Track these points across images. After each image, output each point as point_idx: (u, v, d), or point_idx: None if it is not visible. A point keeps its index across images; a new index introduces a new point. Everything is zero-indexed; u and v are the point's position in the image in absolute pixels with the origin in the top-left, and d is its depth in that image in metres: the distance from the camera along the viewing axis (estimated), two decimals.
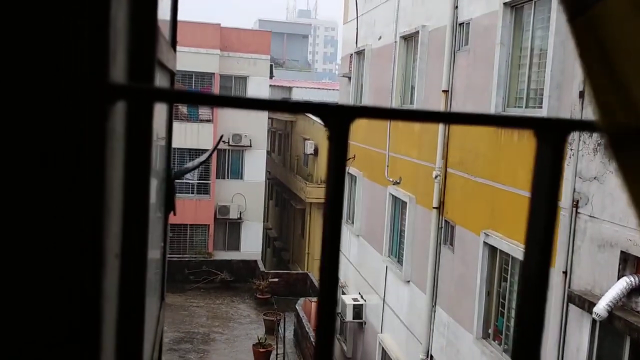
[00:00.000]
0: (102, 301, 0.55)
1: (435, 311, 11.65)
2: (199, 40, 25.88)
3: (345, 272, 17.31)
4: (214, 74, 27.06)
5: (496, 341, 9.67)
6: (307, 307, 20.51)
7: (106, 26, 0.53)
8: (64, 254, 0.53)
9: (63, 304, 0.53)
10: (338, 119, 0.47)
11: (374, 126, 15.10)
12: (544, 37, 8.59)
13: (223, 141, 26.72)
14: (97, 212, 0.54)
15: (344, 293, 16.82)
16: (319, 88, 41.36)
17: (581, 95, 7.52)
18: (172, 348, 19.03)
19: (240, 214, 27.70)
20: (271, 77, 29.53)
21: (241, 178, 28.08)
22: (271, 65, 29.30)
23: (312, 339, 17.69)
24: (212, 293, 24.51)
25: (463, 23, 10.96)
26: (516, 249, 8.75)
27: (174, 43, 1.98)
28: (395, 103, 13.97)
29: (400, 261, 13.55)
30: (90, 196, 0.53)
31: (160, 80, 1.46)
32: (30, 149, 0.51)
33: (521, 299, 0.50)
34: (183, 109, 26.23)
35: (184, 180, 26.07)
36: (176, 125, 23.49)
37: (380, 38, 15.35)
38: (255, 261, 26.67)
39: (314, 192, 25.08)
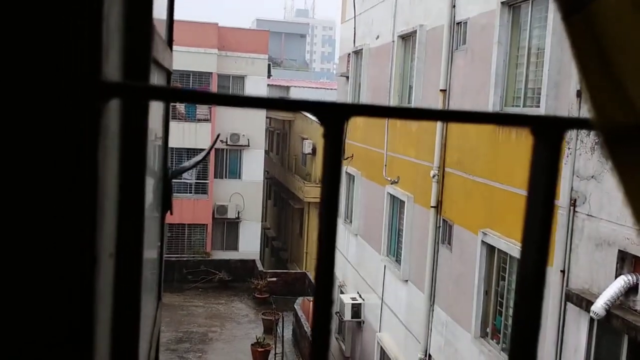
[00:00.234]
0: (95, 300, 0.55)
1: (433, 310, 11.66)
2: (197, 40, 25.87)
3: (344, 271, 17.31)
4: (211, 73, 27.06)
5: (494, 340, 9.67)
6: (305, 306, 20.52)
7: (99, 24, 0.53)
8: (55, 252, 0.52)
9: (56, 303, 0.53)
10: (333, 116, 0.46)
11: (371, 126, 15.10)
12: (541, 36, 8.60)
13: (221, 140, 26.72)
14: (91, 211, 0.53)
15: (342, 292, 16.82)
16: (316, 87, 41.31)
17: (579, 94, 7.53)
18: (171, 348, 19.03)
19: (239, 213, 27.69)
20: (269, 76, 29.54)
21: (239, 178, 28.08)
22: (269, 65, 29.30)
23: (310, 339, 17.64)
24: (210, 293, 24.51)
25: (461, 22, 10.96)
26: (514, 248, 8.76)
27: (170, 42, 1.97)
28: (393, 102, 13.97)
29: (398, 260, 13.56)
30: (83, 194, 0.53)
31: (157, 79, 1.46)
32: (22, 147, 0.51)
33: (518, 298, 0.49)
34: (181, 108, 26.23)
35: (182, 180, 26.08)
36: (174, 124, 23.49)
37: (377, 37, 15.35)
38: (254, 261, 26.66)
39: (312, 192, 25.06)
